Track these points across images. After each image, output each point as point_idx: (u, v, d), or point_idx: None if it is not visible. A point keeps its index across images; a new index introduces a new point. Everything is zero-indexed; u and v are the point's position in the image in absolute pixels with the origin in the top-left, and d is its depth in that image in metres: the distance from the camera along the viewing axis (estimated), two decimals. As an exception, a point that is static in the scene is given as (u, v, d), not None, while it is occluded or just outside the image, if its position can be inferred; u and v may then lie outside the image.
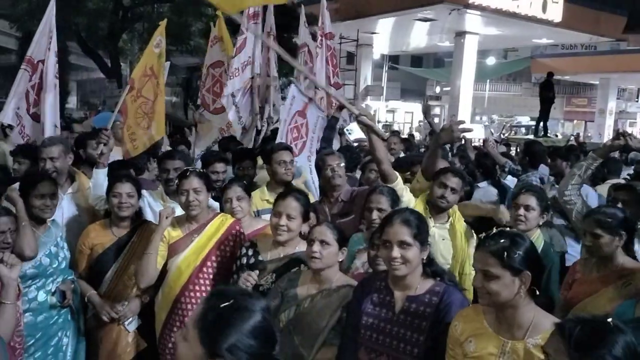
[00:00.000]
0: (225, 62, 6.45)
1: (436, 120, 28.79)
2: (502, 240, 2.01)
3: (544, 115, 16.05)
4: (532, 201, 3.46)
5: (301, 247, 3.03)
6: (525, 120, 30.73)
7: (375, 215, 3.21)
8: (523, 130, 26.81)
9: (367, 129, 3.39)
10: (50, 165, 3.76)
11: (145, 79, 4.85)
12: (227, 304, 1.48)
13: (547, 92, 15.69)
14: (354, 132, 3.62)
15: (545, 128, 16.23)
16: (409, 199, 3.46)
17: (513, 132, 24.97)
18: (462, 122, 3.41)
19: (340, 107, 5.41)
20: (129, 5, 18.00)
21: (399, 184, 3.40)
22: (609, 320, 1.59)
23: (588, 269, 3.01)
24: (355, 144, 3.73)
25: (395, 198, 3.30)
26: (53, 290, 3.27)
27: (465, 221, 3.66)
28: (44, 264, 3.23)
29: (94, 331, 3.48)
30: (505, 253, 1.98)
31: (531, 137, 15.79)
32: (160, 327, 3.28)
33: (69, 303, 3.33)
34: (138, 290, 3.41)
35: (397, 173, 3.45)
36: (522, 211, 3.44)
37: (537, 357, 1.95)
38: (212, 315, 1.48)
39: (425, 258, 2.37)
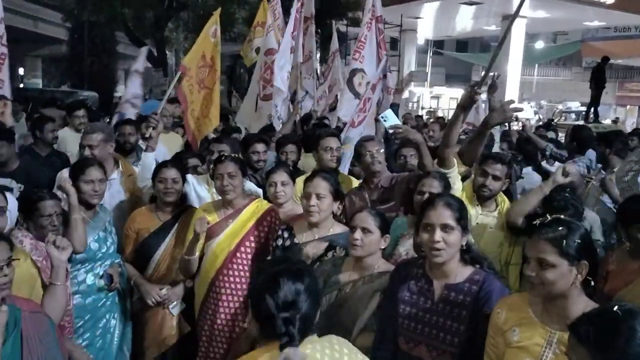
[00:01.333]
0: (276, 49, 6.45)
1: (483, 106, 28.32)
2: (559, 228, 1.94)
3: (595, 101, 15.52)
4: None
5: (335, 229, 3.03)
6: (575, 105, 29.77)
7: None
8: (573, 116, 25.98)
9: (459, 110, 3.33)
10: (88, 153, 3.85)
11: (206, 70, 4.90)
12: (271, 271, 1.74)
13: (599, 76, 15.15)
14: (389, 119, 3.58)
15: (597, 113, 15.69)
16: (458, 188, 3.38)
17: (563, 117, 24.24)
18: (512, 101, 3.28)
19: (399, 90, 5.41)
20: (175, -6, 18.29)
21: (454, 171, 3.31)
22: (615, 308, 1.56)
23: (623, 259, 2.88)
24: (391, 131, 3.71)
25: (447, 184, 3.23)
26: (101, 273, 3.36)
27: None
28: (93, 249, 3.31)
29: (140, 314, 3.58)
30: (564, 241, 1.91)
31: (581, 122, 15.31)
32: (198, 308, 3.36)
33: (117, 286, 3.41)
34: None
35: (455, 161, 3.35)
36: None
37: None
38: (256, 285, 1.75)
39: (464, 245, 2.31)
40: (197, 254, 3.21)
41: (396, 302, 2.39)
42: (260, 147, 4.49)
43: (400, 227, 3.24)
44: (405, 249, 3.08)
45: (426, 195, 3.10)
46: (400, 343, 2.37)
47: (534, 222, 2.02)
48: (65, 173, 3.58)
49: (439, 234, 2.23)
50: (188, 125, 4.89)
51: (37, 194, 2.99)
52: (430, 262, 2.34)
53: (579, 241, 1.92)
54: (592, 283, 1.97)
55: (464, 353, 2.23)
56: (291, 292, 1.68)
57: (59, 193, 3.31)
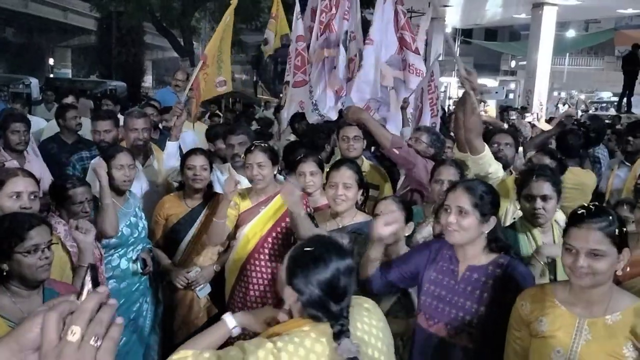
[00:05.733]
0: (304, 37, 6.39)
1: (511, 96, 27.91)
2: (610, 217, 1.92)
3: (627, 91, 15.18)
4: (548, 189, 2.79)
5: (358, 218, 3.03)
6: (607, 95, 29.15)
7: (446, 187, 3.14)
8: (607, 106, 25.46)
9: (465, 94, 3.24)
10: (140, 136, 3.94)
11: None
12: (308, 249, 1.70)
13: (632, 65, 14.81)
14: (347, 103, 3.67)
15: (629, 104, 15.35)
16: (496, 169, 3.29)
17: (594, 108, 23.74)
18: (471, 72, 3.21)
19: None
20: (201, -16, 18.40)
21: (486, 155, 3.25)
22: None
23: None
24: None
25: (462, 171, 3.23)
26: (134, 258, 3.42)
27: None
28: (125, 234, 3.37)
29: (170, 297, 3.66)
30: (617, 230, 1.90)
31: (613, 113, 15.03)
32: (229, 292, 3.41)
33: (150, 270, 3.49)
34: (211, 259, 3.57)
35: (485, 145, 3.29)
36: (539, 203, 2.78)
37: (618, 332, 1.89)
38: (295, 254, 1.72)
39: (486, 232, 2.28)
40: (225, 220, 3.18)
41: (421, 280, 2.41)
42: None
43: (416, 216, 3.24)
44: (422, 236, 3.08)
45: (445, 184, 3.11)
46: (420, 320, 2.38)
47: (579, 212, 1.98)
48: (96, 161, 3.63)
49: (453, 217, 2.24)
50: (194, 110, 4.89)
51: (68, 182, 3.04)
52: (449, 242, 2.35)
53: (625, 229, 1.92)
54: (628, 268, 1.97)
55: (483, 336, 2.22)
56: (346, 282, 1.67)
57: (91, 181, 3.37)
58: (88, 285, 0.89)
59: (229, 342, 1.82)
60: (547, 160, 3.69)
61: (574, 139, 4.86)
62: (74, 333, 0.77)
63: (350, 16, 5.94)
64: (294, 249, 1.75)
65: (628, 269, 2.02)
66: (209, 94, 5.06)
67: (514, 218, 3.31)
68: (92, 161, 3.81)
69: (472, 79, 3.12)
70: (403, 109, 5.86)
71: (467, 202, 2.24)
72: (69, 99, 6.29)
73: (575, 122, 8.31)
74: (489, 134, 4.41)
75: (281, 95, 6.89)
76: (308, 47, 6.19)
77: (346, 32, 5.91)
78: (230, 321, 1.83)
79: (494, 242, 2.32)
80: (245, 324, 1.85)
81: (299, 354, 1.57)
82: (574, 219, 1.98)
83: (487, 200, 2.27)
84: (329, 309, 1.65)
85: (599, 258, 1.89)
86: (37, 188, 2.77)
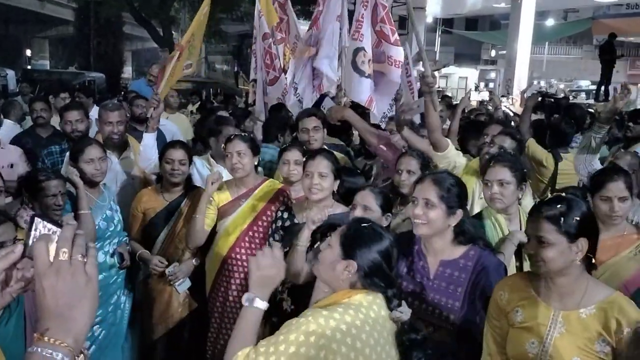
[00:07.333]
0: (270, 34, 6.40)
1: (491, 85, 28.04)
2: (558, 205, 1.92)
3: (605, 79, 15.35)
4: (505, 174, 2.80)
5: (335, 209, 3.00)
6: (585, 84, 29.43)
7: (404, 176, 3.19)
8: (583, 95, 25.69)
9: (425, 94, 3.33)
10: (115, 129, 3.89)
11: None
12: (366, 224, 1.89)
13: (609, 54, 14.98)
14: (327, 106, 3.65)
15: (607, 92, 15.53)
16: (461, 163, 3.36)
17: (572, 96, 23.98)
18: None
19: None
20: (180, -26, 18.19)
21: (450, 151, 3.31)
22: None
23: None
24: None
25: (425, 162, 3.26)
26: (111, 251, 3.39)
27: None
28: (102, 228, 3.34)
29: (148, 292, 3.62)
30: (562, 218, 1.89)
31: (592, 102, 15.20)
32: (209, 286, 3.39)
33: (127, 265, 3.46)
34: (189, 253, 3.53)
35: (448, 140, 3.35)
36: (496, 188, 2.81)
37: (591, 326, 1.89)
38: (353, 230, 1.88)
39: (451, 224, 2.28)
40: (203, 216, 3.19)
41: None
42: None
43: None
44: (392, 227, 3.08)
45: (404, 174, 3.18)
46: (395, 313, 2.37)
47: (535, 201, 2.02)
48: (66, 169, 3.57)
49: (420, 209, 2.25)
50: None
51: (42, 174, 3.01)
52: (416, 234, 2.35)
53: (578, 218, 1.90)
54: (593, 260, 1.97)
55: (461, 331, 2.23)
56: (395, 252, 1.89)
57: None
58: (48, 227, 1.08)
59: None
60: (508, 141, 3.70)
61: (568, 128, 4.89)
62: (65, 253, 0.99)
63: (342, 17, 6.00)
64: (348, 228, 1.89)
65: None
66: (177, 76, 5.05)
67: (481, 197, 3.31)
68: (65, 160, 3.76)
69: (432, 81, 3.27)
70: (397, 100, 5.89)
71: (433, 194, 2.24)
72: (65, 95, 6.09)
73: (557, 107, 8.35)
74: (484, 124, 4.44)
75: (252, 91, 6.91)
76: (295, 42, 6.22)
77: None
78: (259, 302, 1.79)
79: (461, 234, 2.32)
80: (268, 291, 1.84)
81: (359, 317, 1.72)
82: (531, 208, 2.05)
83: (454, 192, 2.27)
84: (388, 275, 1.85)
85: (545, 246, 1.91)
86: (2, 183, 2.73)
